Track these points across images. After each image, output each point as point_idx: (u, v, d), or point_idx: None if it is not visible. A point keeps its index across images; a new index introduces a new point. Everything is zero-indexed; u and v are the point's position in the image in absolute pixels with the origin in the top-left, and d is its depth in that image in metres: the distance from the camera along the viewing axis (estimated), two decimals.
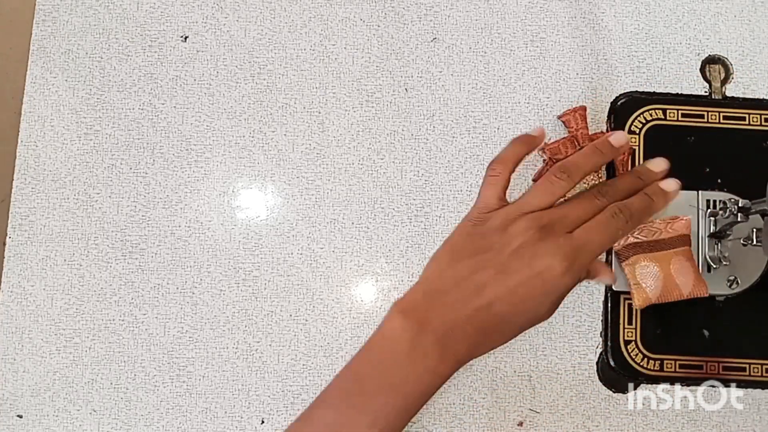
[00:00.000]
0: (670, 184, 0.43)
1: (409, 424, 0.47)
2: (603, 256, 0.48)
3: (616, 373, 0.47)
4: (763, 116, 0.51)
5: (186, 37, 0.51)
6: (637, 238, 0.46)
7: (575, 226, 0.40)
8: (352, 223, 0.49)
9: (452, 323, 0.38)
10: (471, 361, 0.47)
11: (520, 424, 0.48)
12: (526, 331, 0.48)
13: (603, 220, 0.40)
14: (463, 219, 0.42)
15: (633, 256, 0.46)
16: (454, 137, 0.49)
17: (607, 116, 0.51)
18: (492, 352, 0.48)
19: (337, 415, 0.37)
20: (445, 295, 0.38)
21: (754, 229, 0.44)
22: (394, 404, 0.37)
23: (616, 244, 0.46)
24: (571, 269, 0.38)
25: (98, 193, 0.49)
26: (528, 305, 0.39)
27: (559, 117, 0.49)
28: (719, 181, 0.50)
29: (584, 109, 0.49)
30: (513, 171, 0.43)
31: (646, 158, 0.50)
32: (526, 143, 0.43)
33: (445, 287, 0.39)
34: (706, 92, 0.51)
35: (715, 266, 0.48)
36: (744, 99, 0.51)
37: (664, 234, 0.46)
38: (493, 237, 0.39)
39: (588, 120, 0.49)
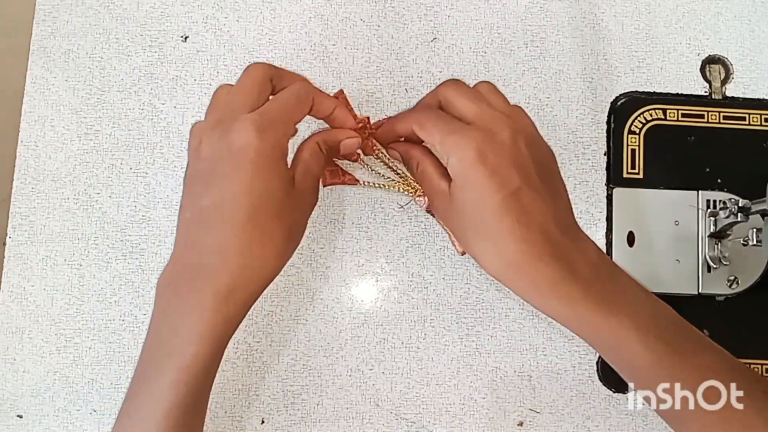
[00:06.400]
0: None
1: (409, 424, 0.47)
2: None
3: (617, 373, 0.47)
4: (763, 116, 0.51)
5: (186, 37, 0.51)
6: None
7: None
8: (352, 223, 0.49)
9: (215, 252, 0.37)
10: (471, 361, 0.48)
11: (520, 424, 0.48)
12: (526, 331, 0.49)
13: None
14: None
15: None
16: None
17: (607, 116, 0.51)
18: (492, 351, 0.48)
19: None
20: (196, 240, 0.38)
21: (754, 229, 0.44)
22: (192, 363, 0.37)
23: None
24: (263, 131, 0.38)
25: (98, 193, 0.49)
26: (246, 182, 0.37)
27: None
28: (719, 181, 0.50)
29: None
30: None
31: (646, 158, 0.50)
32: None
33: (191, 234, 0.39)
34: (706, 92, 0.51)
35: (715, 266, 0.48)
36: (744, 99, 0.51)
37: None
38: (194, 166, 0.40)
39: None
